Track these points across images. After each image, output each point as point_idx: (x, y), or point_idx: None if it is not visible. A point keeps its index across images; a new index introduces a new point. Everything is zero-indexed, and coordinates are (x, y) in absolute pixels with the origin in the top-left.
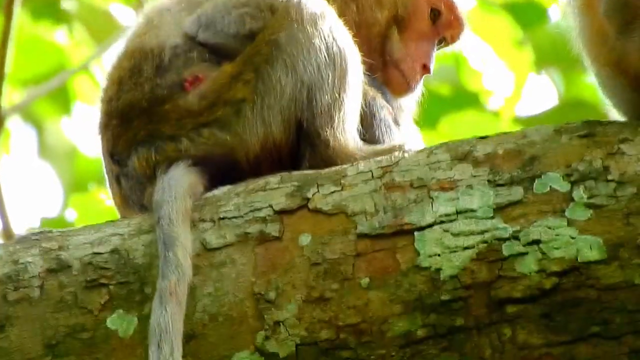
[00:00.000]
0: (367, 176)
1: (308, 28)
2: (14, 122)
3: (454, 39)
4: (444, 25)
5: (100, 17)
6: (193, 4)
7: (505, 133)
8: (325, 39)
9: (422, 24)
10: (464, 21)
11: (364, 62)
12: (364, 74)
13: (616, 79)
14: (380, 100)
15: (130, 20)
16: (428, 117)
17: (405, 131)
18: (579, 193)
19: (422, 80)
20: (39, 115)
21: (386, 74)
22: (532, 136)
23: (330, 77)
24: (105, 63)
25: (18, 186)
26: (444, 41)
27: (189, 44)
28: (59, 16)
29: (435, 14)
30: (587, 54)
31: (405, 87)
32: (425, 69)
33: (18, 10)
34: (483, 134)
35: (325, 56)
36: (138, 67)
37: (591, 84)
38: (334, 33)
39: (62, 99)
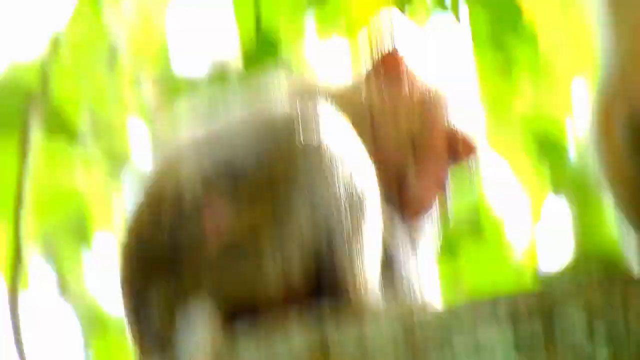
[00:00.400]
0: (389, 336)
1: (327, 164)
2: (32, 256)
3: (467, 154)
4: (460, 156)
5: (119, 154)
6: (210, 144)
7: (526, 290)
8: (343, 174)
9: (439, 159)
10: (479, 150)
11: (380, 192)
12: (383, 213)
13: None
14: (401, 255)
15: (147, 162)
16: (447, 249)
17: (424, 262)
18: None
19: (437, 201)
20: (58, 252)
21: (401, 196)
22: (553, 287)
23: (350, 223)
24: (123, 193)
25: (37, 325)
26: (459, 158)
27: (206, 186)
28: (77, 157)
29: (452, 147)
30: (606, 183)
31: (420, 208)
32: (442, 192)
33: (35, 148)
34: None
35: (345, 203)
36: (156, 216)
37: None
38: (354, 178)
39: (81, 230)
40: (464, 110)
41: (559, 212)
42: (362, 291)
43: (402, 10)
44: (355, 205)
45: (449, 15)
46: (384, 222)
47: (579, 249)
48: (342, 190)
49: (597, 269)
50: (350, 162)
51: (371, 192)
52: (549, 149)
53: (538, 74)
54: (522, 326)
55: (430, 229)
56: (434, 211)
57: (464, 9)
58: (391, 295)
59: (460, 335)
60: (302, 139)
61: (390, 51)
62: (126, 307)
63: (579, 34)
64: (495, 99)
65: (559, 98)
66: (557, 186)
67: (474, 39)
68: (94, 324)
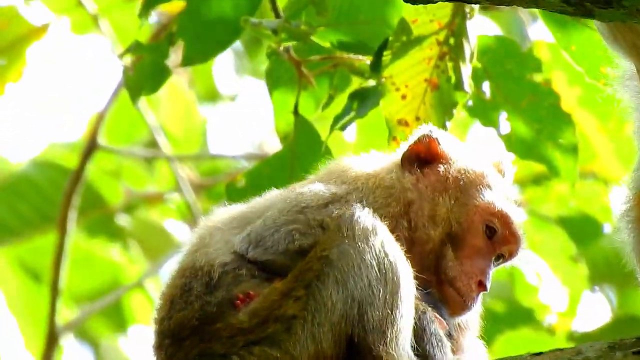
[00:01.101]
0: None
1: (359, 244)
2: (68, 340)
3: (511, 255)
4: (500, 242)
5: (155, 233)
6: (244, 222)
7: (559, 349)
8: (376, 255)
9: (477, 240)
10: (520, 237)
11: (416, 277)
12: (417, 288)
13: None
14: (430, 314)
15: (184, 235)
16: (482, 335)
17: (469, 347)
18: None
19: (479, 298)
20: (94, 333)
21: (442, 292)
22: (586, 352)
23: (381, 293)
24: (160, 279)
25: None
26: (501, 257)
27: (238, 261)
28: (113, 232)
29: (490, 231)
30: None
31: (461, 306)
32: (482, 286)
33: (73, 227)
34: (538, 351)
35: (376, 271)
36: (189, 286)
37: None
38: (386, 248)
39: (117, 316)
40: (505, 193)
41: (596, 307)
42: (395, 353)
43: (443, 125)
44: (387, 273)
45: (490, 129)
46: (417, 291)
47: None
48: (373, 261)
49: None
50: (381, 234)
51: (403, 263)
52: (587, 247)
53: (575, 180)
54: None
55: (475, 319)
56: (477, 307)
57: (504, 123)
58: (423, 354)
59: None
60: (334, 213)
61: (426, 133)
62: None
63: (619, 142)
64: (534, 203)
65: (598, 203)
66: (595, 282)
67: (514, 149)
68: None
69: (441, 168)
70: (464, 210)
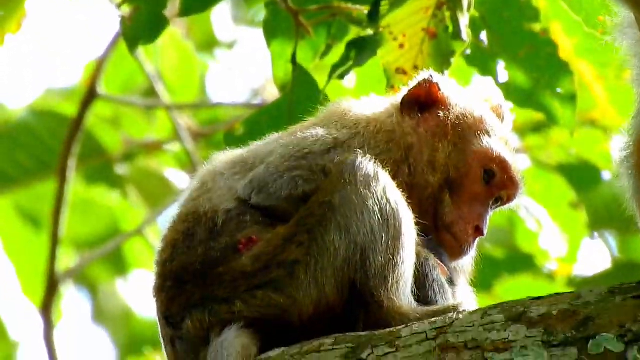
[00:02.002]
0: (422, 337)
1: (362, 190)
2: (67, 286)
3: (509, 199)
4: (498, 186)
5: (154, 181)
6: (246, 167)
7: (559, 294)
8: (378, 201)
9: (475, 185)
10: (519, 181)
11: (417, 223)
12: (418, 234)
13: None
14: (432, 261)
15: (184, 183)
16: (482, 281)
17: (461, 291)
18: (633, 353)
19: (475, 243)
20: (93, 279)
21: (439, 238)
22: (586, 297)
23: (384, 239)
24: (159, 227)
25: (72, 350)
26: (499, 201)
27: (242, 207)
28: (112, 180)
29: (489, 175)
30: None
31: (458, 251)
32: (479, 231)
33: (72, 175)
34: (537, 295)
35: (378, 217)
36: (192, 231)
37: None
38: (387, 194)
39: (116, 262)
40: (503, 138)
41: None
42: (396, 298)
43: (442, 74)
44: (389, 219)
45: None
46: (418, 237)
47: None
48: (375, 207)
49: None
50: (382, 180)
51: (404, 209)
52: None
53: (574, 128)
54: (554, 327)
55: (468, 264)
56: (473, 252)
57: (502, 72)
58: (424, 300)
59: (491, 334)
60: (336, 159)
61: (427, 77)
62: (163, 334)
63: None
64: (534, 151)
65: (597, 150)
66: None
67: (512, 98)
68: (129, 347)
69: (441, 113)
70: (462, 156)
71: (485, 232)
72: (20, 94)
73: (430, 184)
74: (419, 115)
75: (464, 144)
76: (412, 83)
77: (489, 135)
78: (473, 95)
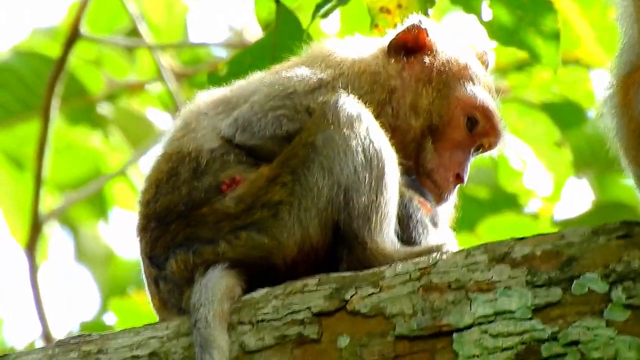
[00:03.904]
0: (405, 278)
1: (344, 130)
2: (51, 227)
3: (491, 146)
4: (480, 134)
5: (137, 121)
6: (229, 106)
7: (543, 234)
8: (361, 141)
9: (457, 132)
10: (501, 129)
11: (400, 164)
12: (401, 175)
13: None
14: (416, 202)
15: (166, 124)
16: (466, 221)
17: (443, 233)
18: (617, 294)
19: (455, 190)
20: (75, 220)
21: (420, 183)
22: (570, 237)
23: (367, 179)
24: (142, 168)
25: (56, 290)
26: (481, 148)
27: (225, 147)
28: (95, 121)
29: (471, 122)
30: (625, 155)
31: (437, 198)
32: (459, 178)
33: (55, 116)
34: (521, 236)
35: (362, 158)
36: (175, 170)
37: (629, 186)
38: (371, 135)
39: (98, 203)
40: (487, 86)
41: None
42: (379, 239)
43: (425, 12)
44: (372, 159)
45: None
46: (402, 178)
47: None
48: (359, 147)
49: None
50: (366, 121)
51: (388, 150)
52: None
53: (558, 66)
54: (537, 267)
55: (449, 208)
56: (453, 197)
57: (486, 10)
58: (407, 241)
59: (475, 274)
60: (319, 99)
61: (414, 22)
62: (146, 274)
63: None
64: (517, 89)
65: (581, 89)
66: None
67: (496, 37)
68: (112, 287)
69: (426, 59)
70: (445, 102)
71: (466, 179)
72: (3, 36)
73: (413, 127)
74: (405, 59)
75: (447, 90)
76: (401, 27)
77: (473, 83)
78: (460, 41)
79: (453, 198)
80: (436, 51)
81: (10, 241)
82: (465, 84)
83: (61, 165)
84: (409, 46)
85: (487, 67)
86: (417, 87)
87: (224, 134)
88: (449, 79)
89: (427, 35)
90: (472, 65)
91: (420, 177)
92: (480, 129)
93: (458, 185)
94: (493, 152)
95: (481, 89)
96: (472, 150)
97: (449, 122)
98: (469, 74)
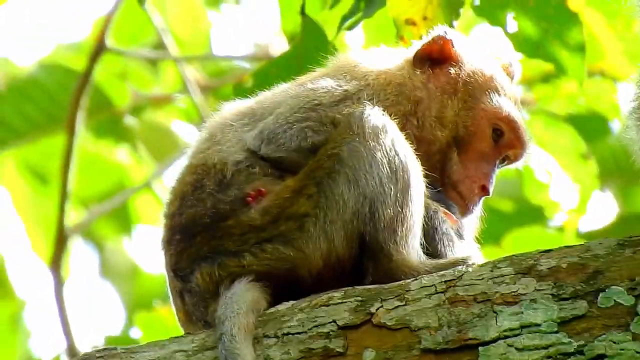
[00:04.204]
0: (431, 290)
1: (370, 141)
2: (75, 242)
3: (516, 158)
4: (506, 145)
5: (162, 134)
6: (255, 118)
7: (568, 246)
8: (387, 153)
9: (483, 144)
10: (526, 140)
11: (426, 176)
12: (427, 187)
13: None
14: (441, 214)
15: (191, 137)
16: (491, 233)
17: (469, 245)
18: None
19: (480, 201)
20: (100, 234)
21: (445, 195)
22: (595, 250)
23: (392, 191)
24: (166, 181)
25: (81, 304)
26: (506, 160)
27: (251, 158)
28: (120, 134)
29: (497, 134)
30: None
31: (463, 210)
32: (484, 190)
33: (81, 129)
34: (547, 248)
35: (387, 170)
36: (200, 182)
37: None
38: (396, 146)
39: (123, 217)
40: (513, 97)
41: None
42: (405, 251)
43: (450, 24)
44: (397, 171)
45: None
46: (427, 190)
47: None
48: (384, 159)
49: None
50: (391, 132)
51: (413, 161)
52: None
53: (583, 79)
54: (563, 280)
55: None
56: (478, 210)
57: (511, 22)
58: (433, 253)
59: (500, 287)
60: (344, 111)
61: (439, 33)
62: (171, 287)
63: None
64: (543, 101)
65: (606, 100)
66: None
67: (521, 49)
68: (137, 301)
69: (452, 70)
70: (471, 114)
71: (491, 191)
72: (30, 49)
73: (438, 139)
74: (430, 70)
75: (473, 102)
76: (426, 38)
77: (499, 94)
78: (485, 52)
79: (478, 210)
80: (462, 62)
81: (32, 256)
82: (491, 95)
83: (86, 180)
84: (435, 57)
85: (512, 78)
86: (443, 98)
87: (249, 145)
88: (474, 90)
89: (453, 46)
90: (498, 76)
91: (446, 189)
92: (505, 140)
93: (483, 197)
94: (518, 164)
95: (507, 100)
96: (497, 162)
97: (475, 133)
98: (495, 85)
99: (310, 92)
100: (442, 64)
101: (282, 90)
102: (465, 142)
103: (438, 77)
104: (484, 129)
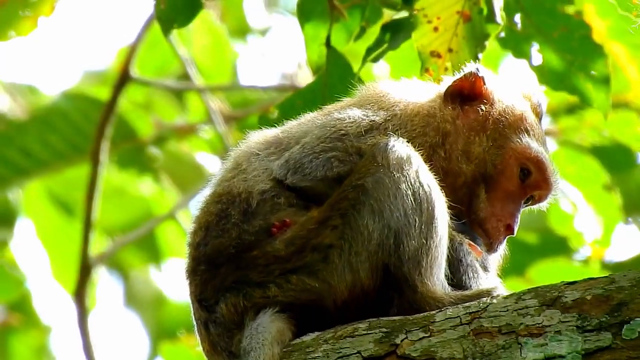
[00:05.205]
0: (456, 322)
1: (394, 173)
2: (100, 271)
3: (541, 199)
4: (532, 185)
5: (185, 165)
6: (281, 147)
7: (593, 278)
8: (411, 184)
9: (510, 183)
10: (553, 183)
11: (450, 208)
12: (451, 218)
13: None
14: (466, 246)
15: (215, 167)
16: (516, 265)
17: (493, 277)
18: None
19: (504, 240)
20: (125, 264)
21: (470, 228)
22: (620, 282)
23: (417, 222)
24: (191, 211)
25: (105, 334)
26: (531, 199)
27: (276, 189)
28: (144, 165)
29: (524, 174)
30: None
31: (487, 247)
32: (509, 229)
33: (105, 158)
34: (571, 280)
35: (411, 201)
36: (225, 213)
37: None
38: (420, 178)
39: (148, 247)
40: (541, 138)
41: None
42: (429, 283)
43: (475, 57)
44: (422, 202)
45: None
46: (452, 233)
47: None
48: (409, 190)
49: None
50: (415, 163)
51: (437, 193)
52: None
53: (608, 111)
54: (588, 312)
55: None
56: (502, 248)
57: (536, 55)
58: (458, 285)
59: (525, 319)
60: (370, 142)
61: (471, 70)
62: (196, 317)
63: None
64: (568, 133)
65: (631, 132)
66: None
67: (546, 81)
68: (162, 330)
69: (482, 108)
70: (500, 152)
71: (516, 231)
72: (55, 79)
73: (464, 172)
74: (460, 107)
75: (503, 140)
76: (458, 74)
77: (528, 134)
78: (515, 91)
79: (502, 247)
80: (492, 100)
81: (54, 284)
82: (520, 134)
83: (110, 210)
84: (465, 94)
85: (540, 118)
86: (470, 135)
87: (275, 175)
88: (504, 128)
89: (484, 83)
90: (528, 116)
91: (471, 224)
92: (532, 180)
93: (508, 236)
94: (542, 205)
95: (535, 141)
96: (522, 202)
97: (503, 172)
98: (525, 125)
99: (337, 122)
100: (473, 100)
101: (308, 120)
102: (492, 180)
103: (467, 115)
104: (512, 168)
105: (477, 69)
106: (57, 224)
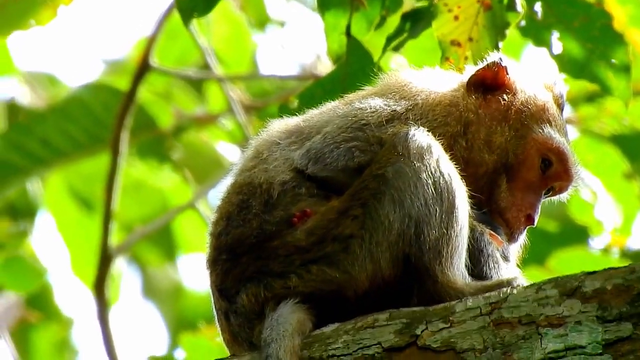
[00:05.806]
0: (476, 312)
1: (415, 162)
2: (119, 263)
3: (561, 190)
4: (553, 176)
5: (205, 154)
6: (302, 137)
7: (613, 268)
8: (432, 173)
9: (531, 173)
10: (574, 173)
11: (471, 197)
12: (472, 208)
13: None
14: (487, 236)
15: (235, 157)
16: (536, 254)
17: (513, 267)
18: None
19: (525, 230)
20: (143, 255)
21: (491, 218)
22: None
23: (437, 212)
24: (210, 202)
25: (125, 326)
26: (551, 190)
27: (297, 179)
28: (164, 155)
29: (545, 164)
30: None
31: (508, 237)
32: (530, 220)
33: (125, 148)
34: (591, 269)
35: (432, 190)
36: (247, 203)
37: None
38: (441, 167)
39: (167, 238)
40: (562, 129)
41: None
42: (450, 273)
43: (496, 45)
44: (442, 192)
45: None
46: (473, 223)
47: None
48: (429, 179)
49: None
50: (436, 153)
51: (458, 182)
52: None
53: (629, 99)
54: (608, 302)
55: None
56: (522, 238)
57: (556, 43)
58: (478, 275)
59: (545, 309)
60: (390, 132)
61: (494, 60)
62: (217, 307)
63: None
64: (588, 121)
65: None
66: None
67: (566, 70)
68: (181, 321)
69: (505, 97)
70: (522, 142)
71: (536, 221)
72: (74, 68)
73: (485, 162)
74: (483, 97)
75: (525, 130)
76: (481, 64)
77: (550, 125)
78: (538, 81)
79: (522, 237)
80: (515, 90)
81: (73, 277)
82: (542, 125)
83: (128, 204)
84: (488, 83)
85: (562, 109)
86: (492, 125)
87: (296, 164)
88: (527, 119)
89: (507, 73)
90: (550, 106)
91: (492, 214)
92: (553, 171)
93: (528, 226)
94: (563, 197)
95: (557, 132)
96: (543, 192)
97: (524, 162)
98: (546, 116)
99: (358, 112)
100: (496, 90)
101: (329, 109)
102: (514, 170)
103: (490, 104)
104: (533, 158)
105: (500, 58)
106: (76, 218)
